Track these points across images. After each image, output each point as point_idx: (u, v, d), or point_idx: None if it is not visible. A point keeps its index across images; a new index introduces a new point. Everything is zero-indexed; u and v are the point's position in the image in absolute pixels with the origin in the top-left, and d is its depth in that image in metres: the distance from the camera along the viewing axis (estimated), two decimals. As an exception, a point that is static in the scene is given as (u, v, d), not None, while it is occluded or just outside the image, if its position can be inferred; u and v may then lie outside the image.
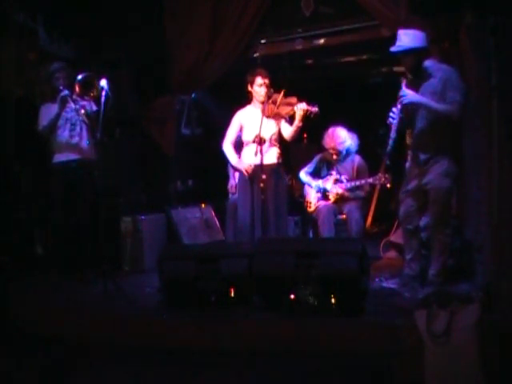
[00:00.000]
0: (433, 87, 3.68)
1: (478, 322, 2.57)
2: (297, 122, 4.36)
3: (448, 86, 3.64)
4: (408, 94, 3.66)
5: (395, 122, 3.70)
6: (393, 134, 3.73)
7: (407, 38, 3.69)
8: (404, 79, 3.74)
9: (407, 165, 3.97)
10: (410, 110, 3.77)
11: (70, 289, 4.30)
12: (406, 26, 3.88)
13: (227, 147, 4.67)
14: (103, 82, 4.18)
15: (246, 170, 4.49)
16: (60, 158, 4.65)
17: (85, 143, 4.65)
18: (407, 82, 3.74)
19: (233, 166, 4.84)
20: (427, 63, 3.75)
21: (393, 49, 3.72)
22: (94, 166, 4.53)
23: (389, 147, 3.77)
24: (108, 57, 5.54)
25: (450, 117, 3.63)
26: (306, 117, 4.31)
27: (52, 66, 4.67)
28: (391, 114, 3.71)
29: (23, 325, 3.75)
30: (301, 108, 4.28)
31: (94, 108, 4.56)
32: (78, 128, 4.64)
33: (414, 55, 3.69)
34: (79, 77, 4.38)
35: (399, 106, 3.68)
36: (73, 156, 4.64)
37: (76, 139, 4.64)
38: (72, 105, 4.52)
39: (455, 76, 3.69)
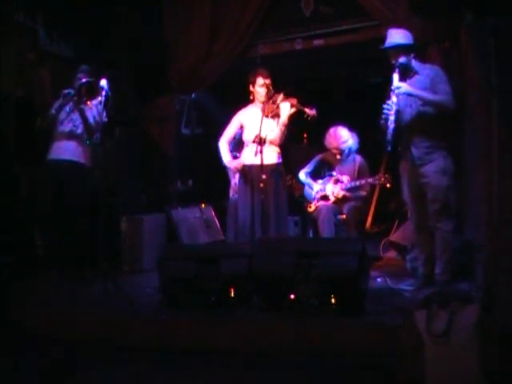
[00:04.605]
0: (421, 83, 3.74)
1: (477, 322, 2.57)
2: (284, 119, 4.37)
3: (437, 80, 3.71)
4: (403, 86, 3.71)
5: (392, 112, 3.73)
6: (391, 124, 3.74)
7: (398, 36, 3.78)
8: (396, 73, 3.75)
9: (400, 165, 3.98)
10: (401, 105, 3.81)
11: (70, 289, 4.29)
12: (403, 26, 3.94)
13: (222, 144, 4.69)
14: (103, 82, 4.18)
15: (236, 168, 4.50)
16: (52, 155, 4.61)
17: (79, 131, 4.61)
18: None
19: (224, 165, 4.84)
20: (412, 62, 3.81)
21: (385, 45, 3.80)
22: (87, 172, 4.55)
23: (389, 135, 3.75)
24: (108, 57, 5.53)
25: (446, 107, 3.68)
26: (304, 119, 4.33)
27: (80, 67, 4.65)
28: (386, 106, 3.74)
29: (23, 325, 3.75)
30: (284, 105, 4.31)
31: (93, 119, 4.54)
32: (77, 122, 4.61)
33: (404, 51, 3.75)
34: (83, 80, 4.40)
35: (394, 99, 3.72)
36: (64, 156, 4.59)
37: (70, 126, 4.59)
38: (71, 105, 4.52)
39: (442, 72, 3.77)
